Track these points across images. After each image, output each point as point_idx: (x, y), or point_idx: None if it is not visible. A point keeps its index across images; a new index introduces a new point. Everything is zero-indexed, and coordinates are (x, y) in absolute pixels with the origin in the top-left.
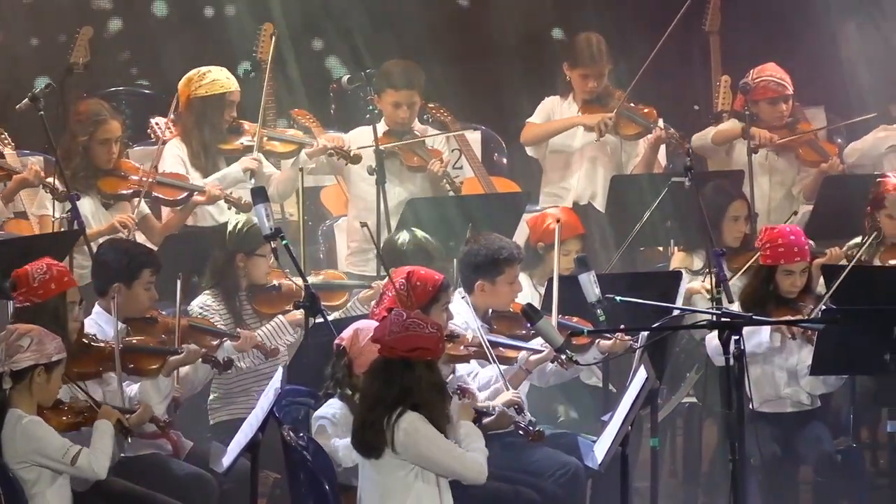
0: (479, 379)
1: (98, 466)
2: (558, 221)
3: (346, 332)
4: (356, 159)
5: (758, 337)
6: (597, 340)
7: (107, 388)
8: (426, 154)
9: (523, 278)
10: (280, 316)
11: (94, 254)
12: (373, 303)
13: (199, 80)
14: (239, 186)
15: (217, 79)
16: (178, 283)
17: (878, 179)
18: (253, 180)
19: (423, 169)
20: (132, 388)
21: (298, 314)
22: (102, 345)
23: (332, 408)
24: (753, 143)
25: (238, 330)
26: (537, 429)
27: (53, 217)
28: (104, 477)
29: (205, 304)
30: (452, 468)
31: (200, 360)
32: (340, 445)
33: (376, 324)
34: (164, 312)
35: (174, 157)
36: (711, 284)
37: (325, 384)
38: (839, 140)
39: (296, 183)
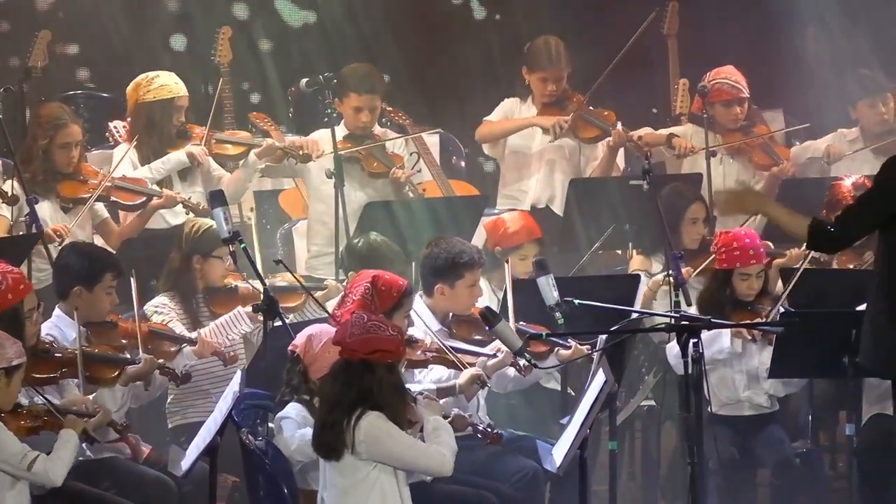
0: (432, 376)
1: (54, 474)
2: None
3: (300, 339)
4: (306, 159)
5: (719, 343)
6: (556, 349)
7: (64, 394)
8: (387, 159)
9: (482, 283)
10: (239, 306)
11: (56, 257)
12: (330, 304)
13: (148, 85)
14: (197, 192)
15: (165, 84)
16: (133, 282)
17: (833, 182)
18: (199, 178)
19: (385, 174)
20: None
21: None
22: (61, 352)
23: (293, 409)
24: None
25: (198, 334)
26: (495, 431)
27: (11, 220)
28: (59, 485)
29: (161, 303)
30: (415, 462)
31: (158, 371)
32: (307, 433)
33: (330, 328)
34: (122, 316)
35: (125, 160)
36: (670, 287)
37: (280, 390)
38: (798, 143)
39: (246, 184)
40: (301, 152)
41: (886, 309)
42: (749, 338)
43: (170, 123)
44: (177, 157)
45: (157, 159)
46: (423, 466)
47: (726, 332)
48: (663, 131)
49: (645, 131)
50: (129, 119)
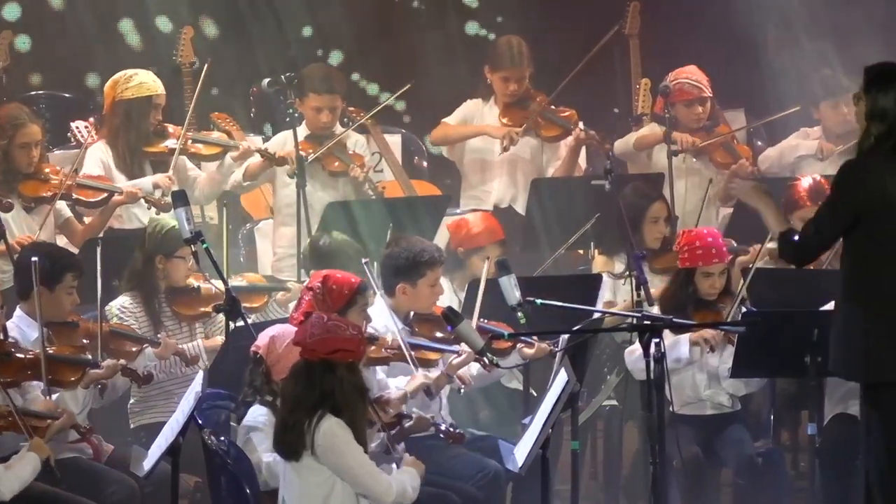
0: (393, 389)
1: (5, 487)
2: (487, 258)
3: (262, 339)
4: (282, 161)
5: (676, 352)
6: (518, 346)
7: (26, 396)
8: (347, 158)
9: (444, 283)
10: (199, 339)
11: (18, 257)
12: (291, 305)
13: (126, 83)
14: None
15: (144, 81)
16: (98, 253)
17: (791, 182)
18: (175, 177)
19: (345, 174)
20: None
21: (218, 340)
22: (23, 353)
23: (259, 414)
24: (675, 148)
25: (160, 336)
26: (457, 430)
27: None
28: (7, 500)
29: (123, 305)
30: (362, 481)
31: (120, 373)
32: (270, 460)
33: (292, 329)
34: (84, 316)
35: (97, 161)
36: (632, 287)
37: (243, 392)
38: (759, 143)
39: (221, 186)
40: (277, 155)
41: (850, 312)
42: (707, 349)
43: (147, 121)
44: (145, 185)
45: (133, 158)
46: (368, 487)
47: (685, 340)
48: (645, 130)
49: (636, 134)
50: (94, 116)
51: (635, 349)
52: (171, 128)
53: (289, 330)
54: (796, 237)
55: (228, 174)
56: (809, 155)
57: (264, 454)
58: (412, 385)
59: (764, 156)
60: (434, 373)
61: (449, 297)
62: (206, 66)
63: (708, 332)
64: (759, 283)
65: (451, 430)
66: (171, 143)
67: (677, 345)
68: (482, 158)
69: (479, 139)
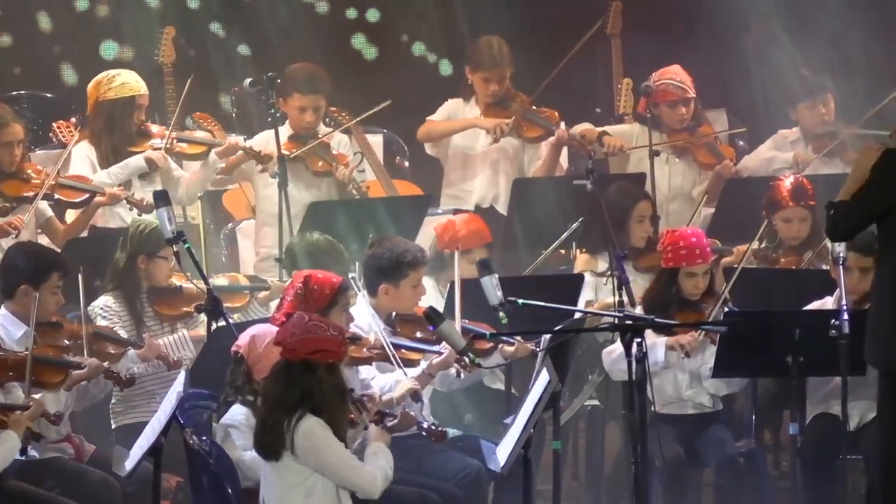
0: (375, 386)
1: None
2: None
3: (243, 339)
4: (266, 159)
5: (653, 355)
6: (500, 346)
7: (8, 396)
8: (331, 158)
9: (429, 283)
10: (183, 330)
11: (3, 257)
12: (273, 304)
13: (109, 83)
14: (141, 188)
15: (126, 82)
16: (80, 278)
17: (773, 182)
18: (158, 178)
19: (329, 174)
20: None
21: (202, 330)
22: (7, 355)
23: (238, 413)
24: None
25: (144, 337)
26: (440, 428)
27: None
28: None
29: (105, 305)
30: (347, 477)
31: (102, 375)
32: (248, 457)
33: (273, 328)
34: (68, 316)
35: (82, 160)
36: (614, 287)
37: (224, 392)
38: (742, 143)
39: (206, 184)
40: (262, 153)
41: (880, 302)
42: (682, 354)
43: (130, 122)
44: (135, 162)
45: (116, 158)
46: (354, 483)
47: (661, 344)
48: (625, 128)
49: (583, 127)
50: (76, 116)
51: (613, 349)
52: (154, 128)
53: (269, 330)
54: (832, 211)
55: (213, 171)
56: (785, 168)
57: (243, 450)
58: (399, 391)
59: (742, 166)
60: (416, 372)
61: (434, 297)
62: (188, 81)
63: (685, 338)
64: (741, 283)
65: (434, 427)
66: (155, 142)
67: (654, 348)
68: (464, 154)
69: (462, 135)
